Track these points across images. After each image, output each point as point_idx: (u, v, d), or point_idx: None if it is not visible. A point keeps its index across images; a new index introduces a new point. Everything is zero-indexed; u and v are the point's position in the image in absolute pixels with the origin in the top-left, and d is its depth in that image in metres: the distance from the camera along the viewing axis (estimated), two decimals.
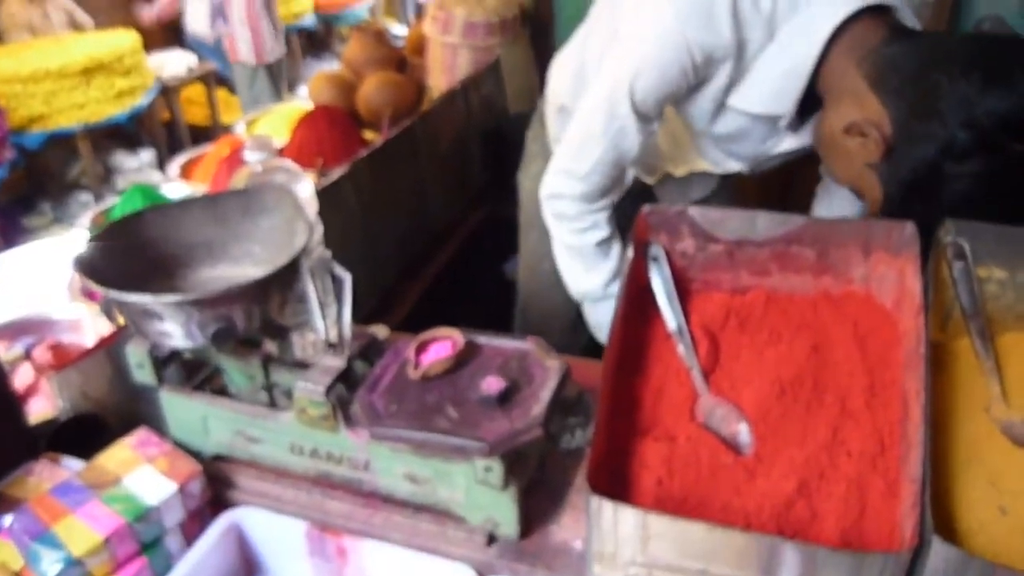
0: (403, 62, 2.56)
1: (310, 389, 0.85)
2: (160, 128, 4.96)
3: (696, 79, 1.00)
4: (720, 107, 1.04)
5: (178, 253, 0.98)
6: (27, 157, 4.17)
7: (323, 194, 1.46)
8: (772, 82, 0.98)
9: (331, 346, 0.89)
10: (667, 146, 1.22)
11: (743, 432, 0.83)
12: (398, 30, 5.18)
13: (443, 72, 2.31)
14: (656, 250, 0.90)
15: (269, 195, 0.99)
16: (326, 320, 0.88)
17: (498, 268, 2.04)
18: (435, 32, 2.29)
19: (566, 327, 1.43)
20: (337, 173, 1.52)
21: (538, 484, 0.91)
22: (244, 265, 0.99)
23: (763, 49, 0.96)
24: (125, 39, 4.52)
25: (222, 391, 1.03)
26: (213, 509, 0.95)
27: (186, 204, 0.99)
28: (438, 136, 1.98)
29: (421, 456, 0.84)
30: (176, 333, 0.84)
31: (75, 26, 4.86)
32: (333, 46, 5.94)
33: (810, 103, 1.00)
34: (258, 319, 0.88)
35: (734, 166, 1.15)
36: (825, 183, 1.29)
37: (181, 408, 0.97)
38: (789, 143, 1.07)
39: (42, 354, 1.38)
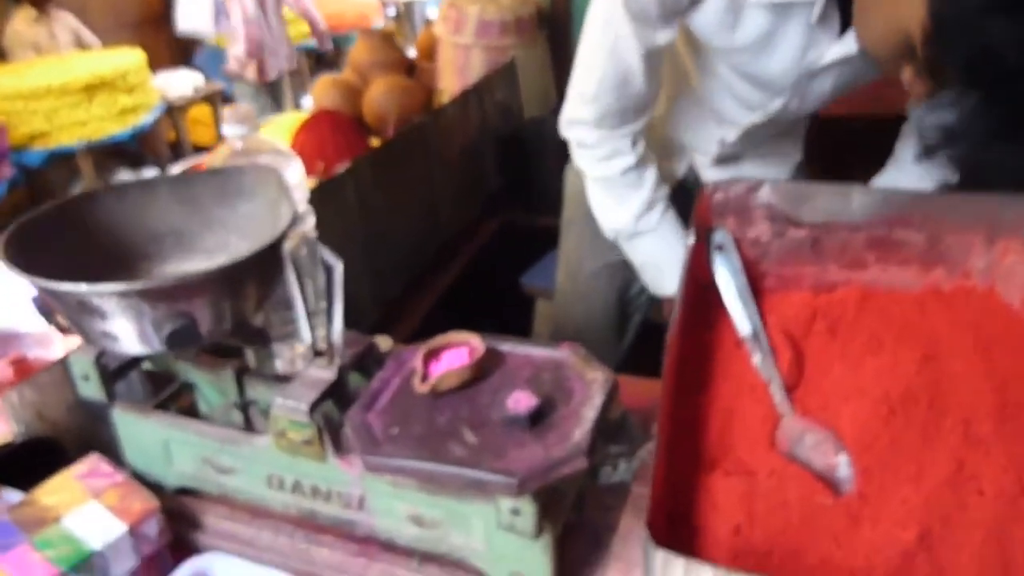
0: (412, 67, 2.42)
1: (290, 407, 0.67)
2: (165, 147, 4.85)
3: None
4: (736, 9, 0.88)
5: (140, 243, 0.81)
6: (28, 175, 4.06)
7: (321, 192, 1.30)
8: None
9: (319, 354, 0.72)
10: (701, 88, 1.05)
11: (843, 465, 0.65)
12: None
13: (455, 74, 2.16)
14: (722, 236, 0.73)
15: (249, 175, 0.82)
16: (312, 321, 0.71)
17: (514, 281, 1.87)
18: (447, 32, 2.15)
19: (605, 336, 1.26)
20: (338, 172, 1.36)
21: (574, 529, 0.73)
22: (219, 259, 0.82)
23: None
24: (129, 57, 4.41)
25: (190, 411, 0.86)
26: (175, 555, 0.78)
27: (149, 184, 0.82)
28: (449, 138, 1.83)
29: (429, 493, 0.66)
30: (124, 335, 0.67)
31: (81, 46, 4.77)
32: (341, 66, 5.84)
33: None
34: (229, 320, 0.71)
35: (777, 102, 0.97)
36: (889, 169, 1.10)
37: (138, 430, 0.79)
38: (835, 51, 0.88)
39: (3, 370, 1.22)
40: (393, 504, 0.69)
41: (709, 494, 0.65)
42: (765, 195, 0.71)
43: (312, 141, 1.99)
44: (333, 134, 2.00)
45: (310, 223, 0.88)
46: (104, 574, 0.73)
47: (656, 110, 1.12)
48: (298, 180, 0.91)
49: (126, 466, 0.83)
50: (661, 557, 0.54)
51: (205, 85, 4.99)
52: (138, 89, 4.41)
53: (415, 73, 2.40)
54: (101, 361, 0.75)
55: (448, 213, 1.81)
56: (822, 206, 0.71)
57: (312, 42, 5.49)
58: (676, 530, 0.64)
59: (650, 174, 1.05)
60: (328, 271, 0.66)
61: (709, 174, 1.12)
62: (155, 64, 4.70)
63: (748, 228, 0.74)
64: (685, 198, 1.15)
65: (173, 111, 4.81)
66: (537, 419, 0.64)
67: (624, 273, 1.18)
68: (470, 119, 1.96)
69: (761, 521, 0.63)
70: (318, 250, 0.66)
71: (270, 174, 0.82)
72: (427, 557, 0.71)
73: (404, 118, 2.20)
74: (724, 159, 1.09)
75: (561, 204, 1.32)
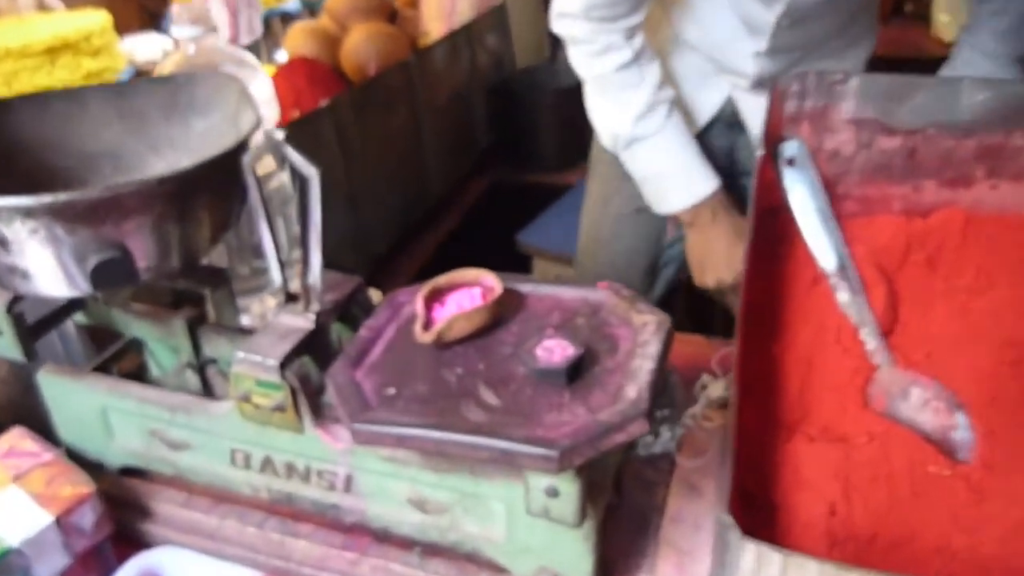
0: (394, 13, 2.24)
1: (256, 362, 0.52)
2: None
3: None
4: None
5: (69, 166, 0.66)
6: None
7: (296, 130, 1.14)
8: None
9: (292, 298, 0.57)
10: None
11: (961, 426, 0.51)
12: None
13: (441, 20, 1.99)
14: (795, 148, 0.59)
15: (203, 85, 0.67)
16: (282, 257, 0.56)
17: (507, 242, 1.72)
18: None
19: (633, 284, 1.12)
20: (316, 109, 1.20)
21: (613, 511, 0.59)
22: None
23: None
24: (94, 18, 4.17)
25: (137, 374, 0.71)
26: (119, 550, 0.63)
27: (78, 95, 0.66)
28: (437, 84, 1.67)
29: (436, 470, 0.52)
30: (38, 271, 0.52)
31: (43, 8, 4.53)
32: None
33: None
34: (176, 255, 0.56)
35: None
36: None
37: (70, 398, 0.64)
38: None
39: None
40: (389, 485, 0.55)
41: (792, 465, 0.51)
42: (853, 92, 0.57)
43: (286, 90, 1.81)
44: (309, 83, 1.82)
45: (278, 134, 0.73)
46: None
47: (683, 27, 0.97)
48: (267, 96, 0.76)
49: (60, 443, 0.69)
50: (753, 552, 0.40)
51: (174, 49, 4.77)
52: (103, 52, 4.16)
53: (397, 20, 2.23)
54: (15, 310, 0.60)
55: (437, 168, 1.66)
56: (923, 106, 0.56)
57: (287, 6, 5.27)
58: (754, 512, 0.51)
59: (650, 73, 0.91)
60: (303, 184, 0.51)
61: (748, 103, 0.97)
62: (122, 28, 4.47)
63: (827, 137, 0.60)
64: (720, 138, 1.01)
65: (141, 76, 4.59)
66: (575, 374, 0.49)
67: (656, 219, 1.04)
68: (459, 64, 1.80)
69: (861, 498, 0.50)
70: (288, 155, 0.51)
71: (229, 83, 0.66)
72: (431, 550, 0.57)
73: (385, 68, 2.02)
74: (763, 82, 0.94)
75: (561, 157, 1.17)
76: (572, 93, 2.01)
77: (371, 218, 1.39)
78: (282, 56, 2.63)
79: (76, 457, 0.66)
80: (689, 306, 1.14)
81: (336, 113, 1.20)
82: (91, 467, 0.65)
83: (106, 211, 0.49)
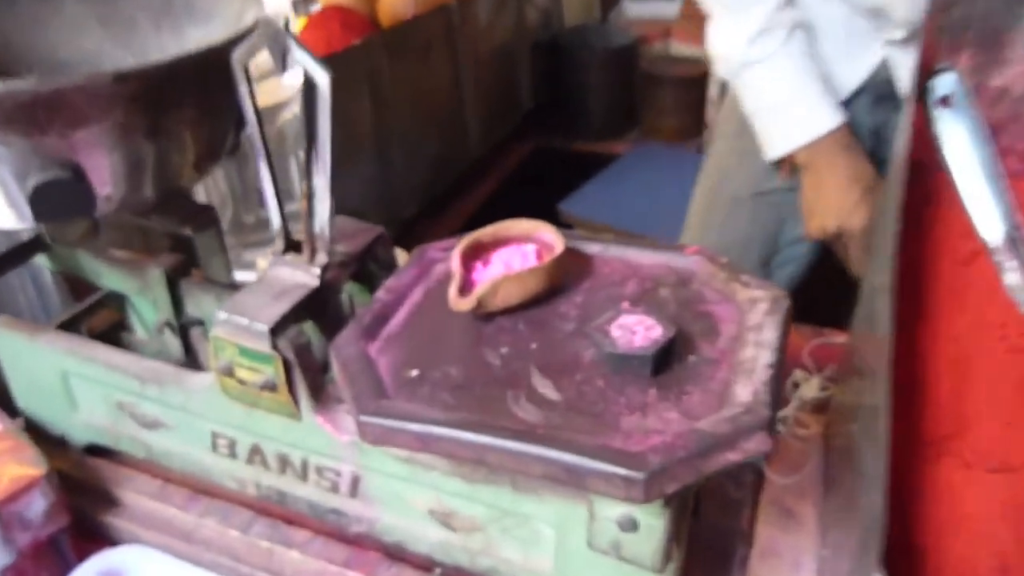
0: None
1: (241, 326, 0.40)
2: None
3: None
4: None
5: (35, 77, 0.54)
6: None
7: None
8: None
9: (292, 246, 0.45)
10: None
11: None
12: None
13: None
14: (951, 83, 0.45)
15: None
16: (278, 186, 0.44)
17: (548, 212, 1.59)
18: None
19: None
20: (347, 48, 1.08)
21: (689, 539, 0.47)
22: None
23: None
24: None
25: (115, 336, 0.59)
26: (78, 546, 0.52)
27: None
28: (480, 35, 1.54)
29: (468, 479, 0.40)
30: None
31: None
32: None
33: None
34: (149, 182, 0.43)
35: None
36: None
37: (26, 359, 0.53)
38: None
39: None
40: (406, 491, 0.43)
41: (944, 498, 0.38)
42: None
43: (319, 40, 1.69)
44: (343, 31, 1.70)
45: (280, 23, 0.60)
46: None
47: None
48: (282, 6, 0.63)
49: (20, 413, 0.58)
50: None
51: None
52: None
53: None
54: None
55: (477, 127, 1.53)
56: None
57: None
58: (891, 554, 0.38)
59: None
60: (308, 92, 0.38)
61: (906, 64, 0.80)
62: None
63: (994, 71, 0.46)
64: (865, 113, 0.85)
65: None
66: (662, 363, 0.37)
67: (778, 209, 0.90)
68: (503, 16, 1.67)
69: None
70: (292, 52, 0.38)
71: None
72: (456, 574, 0.45)
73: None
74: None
75: (609, 125, 1.02)
76: (623, 55, 1.87)
77: (401, 176, 1.27)
78: (317, 7, 2.50)
79: (37, 430, 0.56)
80: None
81: (368, 55, 1.08)
82: (53, 443, 0.54)
83: (48, 115, 0.36)
